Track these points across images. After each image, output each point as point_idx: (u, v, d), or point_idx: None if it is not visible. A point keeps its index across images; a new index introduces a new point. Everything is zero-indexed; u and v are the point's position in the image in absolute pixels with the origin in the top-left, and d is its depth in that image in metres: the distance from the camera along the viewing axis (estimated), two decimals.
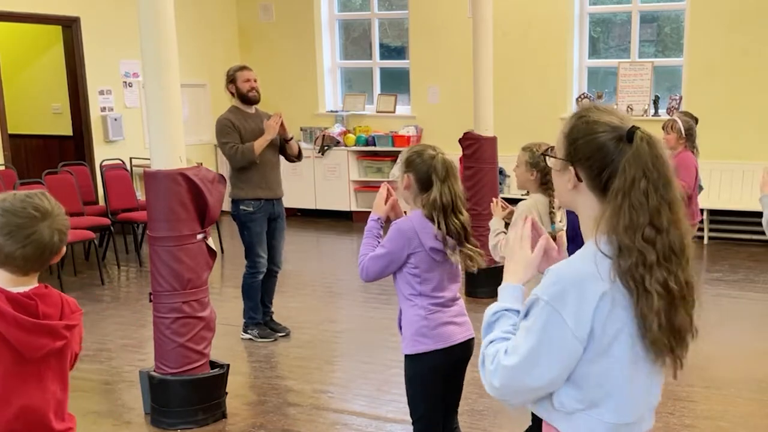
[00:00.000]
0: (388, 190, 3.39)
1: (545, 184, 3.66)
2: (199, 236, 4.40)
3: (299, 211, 10.57)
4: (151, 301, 4.44)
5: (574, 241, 1.90)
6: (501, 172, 8.65)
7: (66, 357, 2.29)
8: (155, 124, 4.32)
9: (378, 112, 10.79)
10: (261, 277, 5.81)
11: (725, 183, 8.91)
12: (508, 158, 6.02)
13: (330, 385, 5.18)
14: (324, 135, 10.48)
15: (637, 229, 1.72)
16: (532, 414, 3.38)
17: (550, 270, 1.78)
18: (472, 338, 3.29)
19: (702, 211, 7.65)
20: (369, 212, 3.46)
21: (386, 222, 3.38)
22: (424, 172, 3.18)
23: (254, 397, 4.95)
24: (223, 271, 8.14)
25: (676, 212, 1.77)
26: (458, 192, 3.21)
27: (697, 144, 5.88)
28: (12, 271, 2.20)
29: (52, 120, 9.80)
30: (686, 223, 1.80)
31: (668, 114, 8.74)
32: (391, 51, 11.22)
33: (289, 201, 6.28)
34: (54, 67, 9.54)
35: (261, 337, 5.87)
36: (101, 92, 9.55)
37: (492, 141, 7.01)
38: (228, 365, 4.58)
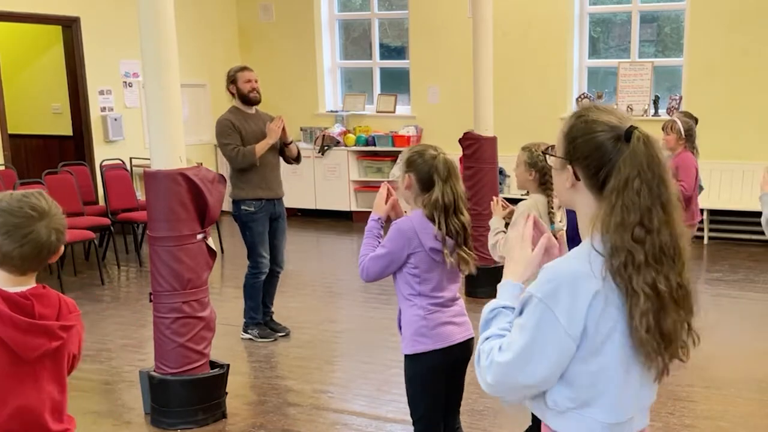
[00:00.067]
0: (388, 189, 3.39)
1: (544, 184, 3.67)
2: (199, 236, 4.39)
3: (299, 211, 10.57)
4: (151, 301, 4.44)
5: (575, 240, 1.90)
6: (501, 172, 8.65)
7: (63, 358, 2.29)
8: (155, 124, 4.32)
9: (378, 112, 10.79)
10: (263, 277, 5.80)
11: (725, 183, 8.91)
12: (508, 158, 6.02)
13: (330, 385, 5.18)
14: (324, 135, 10.48)
15: (627, 229, 1.73)
16: (533, 414, 3.38)
17: (545, 267, 1.79)
18: (472, 338, 3.30)
19: (702, 211, 7.65)
20: (369, 212, 3.46)
21: (387, 222, 3.38)
22: (426, 172, 3.18)
23: (254, 397, 4.95)
24: (223, 271, 8.14)
25: (670, 213, 1.77)
26: (460, 192, 3.21)
27: (696, 145, 5.88)
28: (9, 271, 2.21)
29: (52, 120, 9.80)
30: (681, 226, 1.80)
31: (668, 114, 8.74)
32: (391, 51, 11.22)
33: (289, 201, 6.28)
34: (54, 67, 9.54)
35: (261, 337, 5.87)
36: (101, 92, 9.55)
37: (492, 141, 7.01)
38: (228, 365, 4.58)
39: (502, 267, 1.99)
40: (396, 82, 10.96)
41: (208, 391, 4.48)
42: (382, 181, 3.87)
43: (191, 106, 10.11)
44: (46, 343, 2.21)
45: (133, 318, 6.53)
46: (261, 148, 5.61)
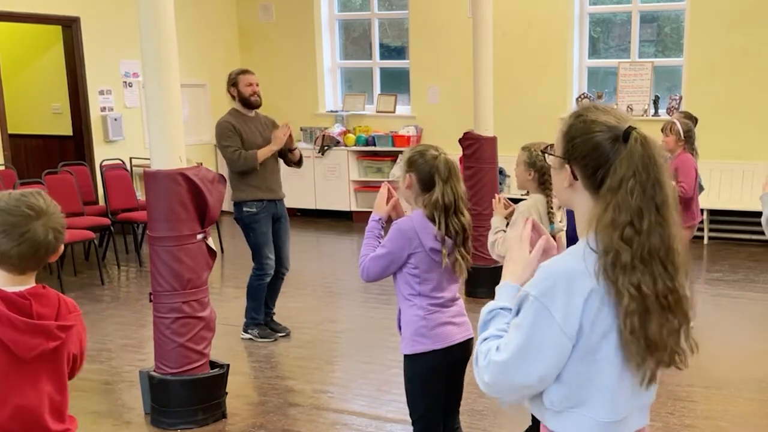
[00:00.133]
0: (389, 190, 3.39)
1: (543, 184, 3.67)
2: (199, 236, 4.40)
3: (299, 211, 10.57)
4: (151, 301, 4.44)
5: (575, 240, 1.90)
6: (501, 172, 8.65)
7: (62, 358, 2.29)
8: (155, 124, 4.32)
9: (378, 112, 10.79)
10: (268, 279, 5.79)
11: (725, 183, 8.91)
12: (508, 158, 6.02)
13: (330, 385, 5.18)
14: (324, 135, 10.48)
15: (617, 228, 1.73)
16: (532, 414, 3.38)
17: (541, 266, 1.80)
18: (471, 338, 3.30)
19: (702, 211, 7.65)
20: (369, 212, 3.46)
21: (387, 222, 3.38)
22: (427, 173, 3.18)
23: (254, 397, 4.95)
24: (223, 271, 8.14)
25: (664, 215, 1.76)
26: (460, 193, 3.21)
27: (696, 146, 5.86)
28: (8, 270, 2.21)
29: (52, 120, 9.80)
30: (675, 229, 1.78)
31: (668, 114, 8.74)
32: (391, 51, 11.22)
33: (290, 201, 6.27)
34: (54, 67, 9.54)
35: (261, 337, 5.87)
36: (101, 92, 9.55)
37: (492, 141, 7.01)
38: (228, 365, 4.58)
39: (502, 267, 1.99)
40: (396, 82, 10.96)
41: (208, 391, 4.48)
42: (382, 181, 3.87)
43: (191, 106, 10.11)
44: (44, 343, 2.21)
45: (133, 318, 6.53)
46: (264, 154, 5.62)
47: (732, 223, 8.78)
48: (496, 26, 7.25)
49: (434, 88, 10.37)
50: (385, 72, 11.12)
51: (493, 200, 3.96)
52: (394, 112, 10.70)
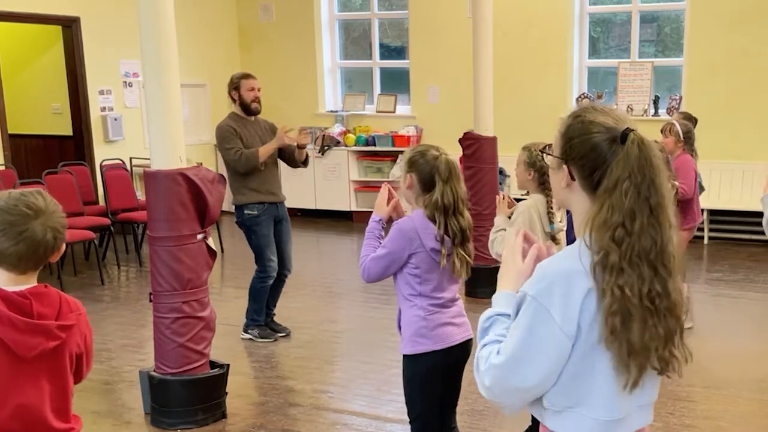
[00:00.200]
0: (389, 190, 3.39)
1: (543, 184, 3.67)
2: (199, 236, 4.40)
3: (299, 211, 10.57)
4: (151, 301, 4.44)
5: (574, 240, 1.90)
6: (501, 172, 8.65)
7: (63, 357, 2.28)
8: (155, 124, 4.32)
9: (378, 112, 10.79)
10: (271, 281, 5.79)
11: (725, 183, 8.91)
12: (509, 158, 6.02)
13: (330, 385, 5.18)
14: (324, 135, 10.48)
15: (609, 228, 1.73)
16: (532, 414, 3.38)
17: (538, 266, 1.80)
18: (471, 339, 3.30)
19: (702, 211, 7.65)
20: (369, 212, 3.46)
21: (388, 223, 3.38)
22: (427, 173, 3.18)
23: (254, 397, 4.96)
24: (223, 271, 8.14)
25: (658, 217, 1.75)
26: (461, 193, 3.21)
27: (695, 147, 5.86)
28: (8, 269, 2.21)
29: (52, 120, 9.80)
30: (669, 232, 1.77)
31: (668, 114, 8.74)
32: (391, 51, 11.22)
33: (290, 201, 6.27)
34: (54, 67, 9.54)
35: (261, 338, 5.87)
36: (101, 92, 9.55)
37: (492, 141, 7.01)
38: (228, 365, 4.58)
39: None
40: (396, 82, 10.96)
41: (208, 391, 4.48)
42: (383, 181, 3.88)
43: (191, 106, 10.11)
44: (44, 343, 2.21)
45: (133, 318, 6.54)
46: (265, 151, 5.62)
47: (732, 223, 8.78)
48: (496, 26, 7.25)
49: (434, 88, 10.37)
50: (385, 72, 11.12)
51: (497, 197, 3.96)
52: (394, 112, 10.70)
